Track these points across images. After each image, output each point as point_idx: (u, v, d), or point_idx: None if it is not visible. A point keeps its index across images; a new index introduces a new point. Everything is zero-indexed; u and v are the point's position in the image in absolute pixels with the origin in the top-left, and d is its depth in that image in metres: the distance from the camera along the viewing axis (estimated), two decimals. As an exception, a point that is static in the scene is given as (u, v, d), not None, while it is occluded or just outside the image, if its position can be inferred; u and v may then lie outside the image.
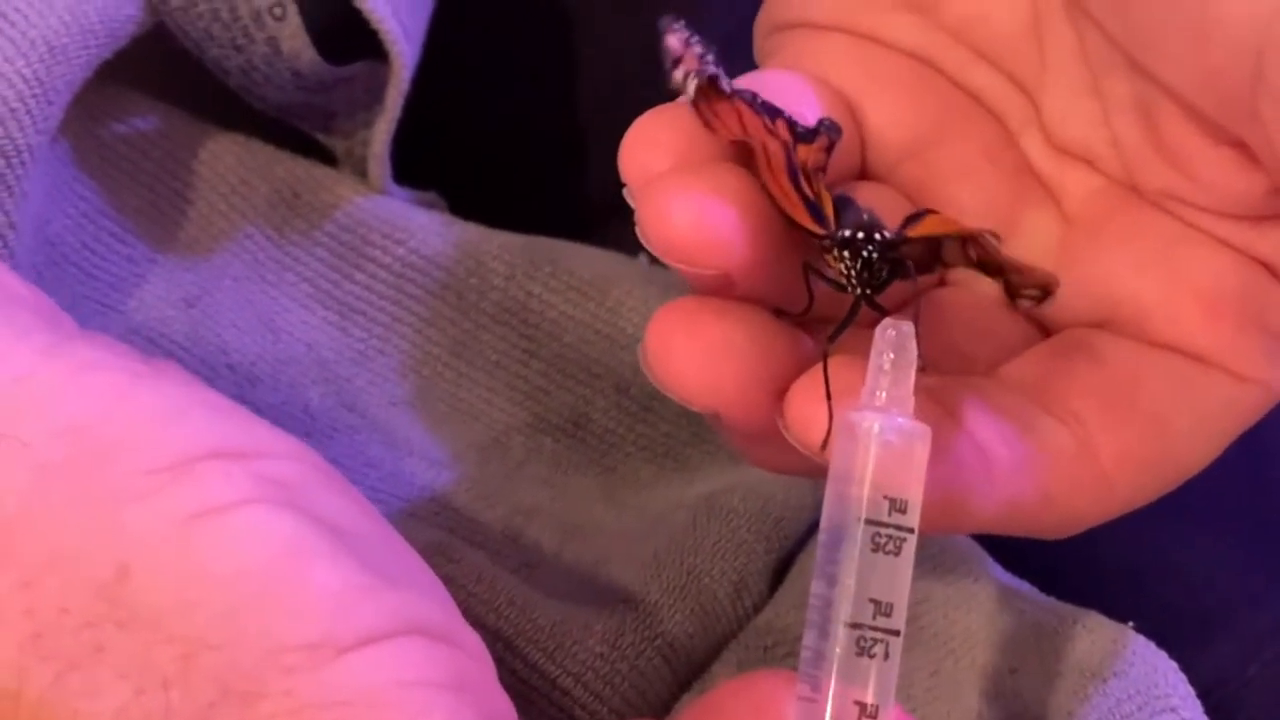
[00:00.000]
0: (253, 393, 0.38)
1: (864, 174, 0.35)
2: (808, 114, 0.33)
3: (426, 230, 0.41)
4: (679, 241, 0.29)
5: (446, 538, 0.36)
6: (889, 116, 0.34)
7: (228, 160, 0.40)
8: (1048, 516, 0.32)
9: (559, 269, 0.41)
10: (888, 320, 0.29)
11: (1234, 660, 0.43)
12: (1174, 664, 0.36)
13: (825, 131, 0.32)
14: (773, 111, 0.31)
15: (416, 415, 0.40)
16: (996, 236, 0.30)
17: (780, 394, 0.30)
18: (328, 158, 0.42)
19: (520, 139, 0.46)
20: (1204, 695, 0.37)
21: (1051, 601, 0.39)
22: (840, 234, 0.30)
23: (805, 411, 0.29)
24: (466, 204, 0.43)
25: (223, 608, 0.26)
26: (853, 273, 0.30)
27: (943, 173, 0.34)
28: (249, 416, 0.29)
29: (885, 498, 0.29)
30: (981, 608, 0.38)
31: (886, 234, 0.30)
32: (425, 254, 0.40)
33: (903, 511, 0.29)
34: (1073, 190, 0.34)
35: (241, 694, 0.25)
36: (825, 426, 0.29)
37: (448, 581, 0.34)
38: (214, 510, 0.26)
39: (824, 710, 0.29)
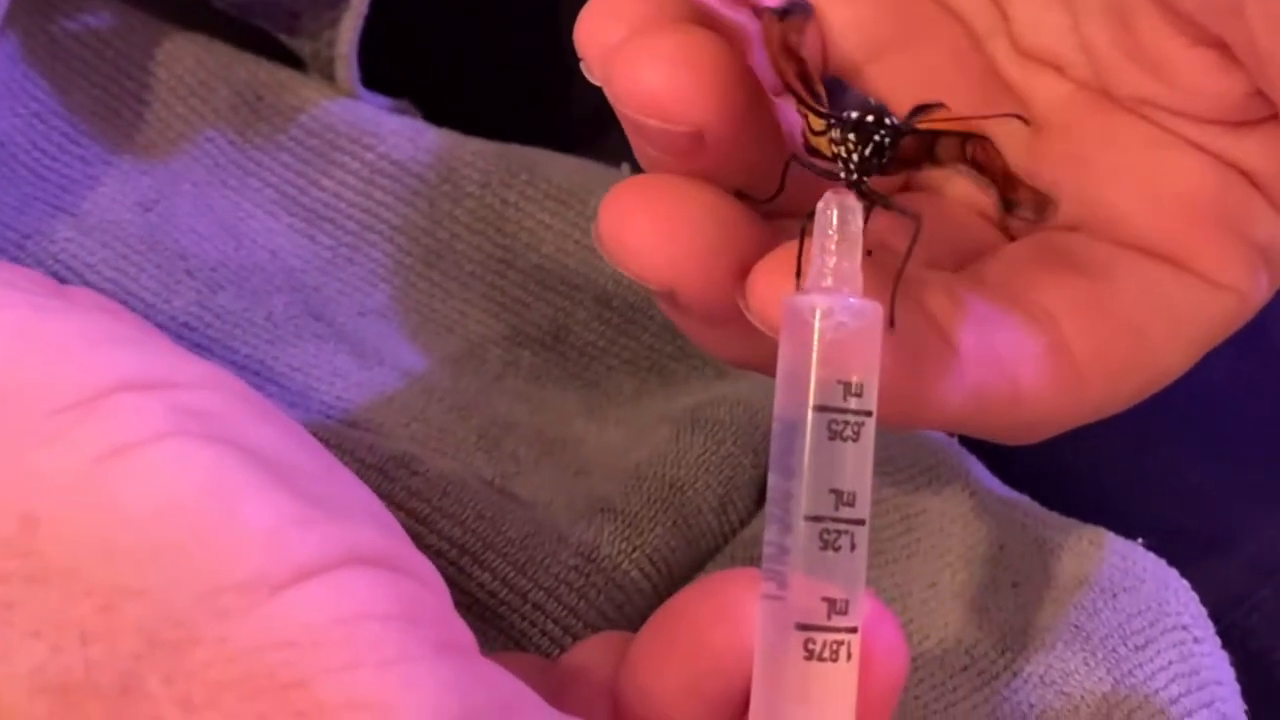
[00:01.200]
0: (213, 299, 0.36)
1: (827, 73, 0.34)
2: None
3: (397, 135, 0.39)
4: (650, 95, 0.28)
5: (413, 449, 0.35)
6: (851, 19, 0.33)
7: (186, 61, 0.39)
8: (1017, 414, 0.31)
9: (536, 177, 0.40)
10: (829, 194, 0.28)
11: (1243, 584, 0.41)
12: (1185, 582, 0.35)
13: (798, 9, 0.31)
14: None
15: (387, 326, 0.38)
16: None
17: (742, 273, 0.29)
18: (293, 63, 0.40)
19: (499, 50, 0.45)
20: (1211, 619, 0.35)
21: (1055, 516, 0.38)
22: (849, 115, 0.28)
23: (770, 285, 0.28)
24: (442, 117, 0.41)
25: (144, 552, 0.24)
26: (854, 158, 0.28)
27: (907, 77, 0.33)
28: (164, 344, 0.27)
29: (839, 382, 0.27)
30: (981, 520, 0.37)
31: (896, 121, 0.28)
32: (396, 159, 0.39)
33: (859, 395, 0.27)
34: (1042, 96, 0.33)
35: (171, 643, 0.24)
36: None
37: (412, 495, 0.33)
38: (127, 447, 0.24)
39: (790, 608, 0.27)
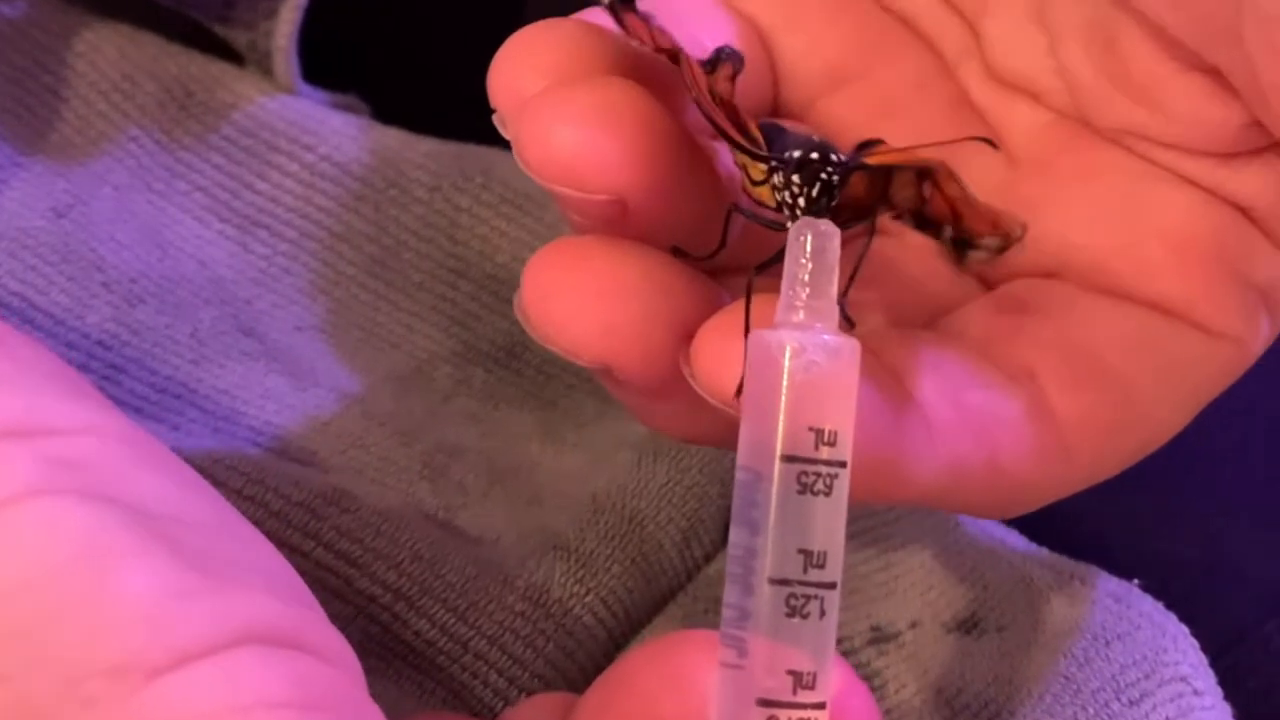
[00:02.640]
0: (131, 314, 0.34)
1: (777, 111, 0.31)
2: (715, 39, 0.29)
3: (340, 134, 0.37)
4: (562, 160, 0.26)
5: (347, 482, 0.32)
6: (805, 45, 0.31)
7: (108, 53, 0.36)
8: (998, 486, 0.28)
9: (491, 180, 0.37)
10: (803, 221, 0.25)
11: (1249, 617, 0.39)
12: (1184, 627, 0.33)
13: (726, 59, 0.28)
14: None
15: (326, 342, 0.36)
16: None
17: (684, 339, 0.26)
18: (229, 56, 0.38)
19: (454, 43, 0.42)
20: (1216, 657, 0.34)
21: (1044, 553, 0.36)
22: (791, 155, 0.26)
23: (717, 349, 0.26)
24: (392, 115, 0.39)
25: (4, 630, 0.21)
26: (800, 201, 0.26)
27: (867, 108, 0.31)
28: (39, 380, 0.24)
29: (810, 429, 0.24)
30: (964, 558, 0.35)
31: (842, 157, 0.26)
32: (338, 161, 0.37)
33: (831, 444, 0.25)
34: (1017, 126, 0.31)
35: None
36: (740, 369, 0.25)
37: (342, 535, 0.31)
38: None
39: (751, 680, 0.25)
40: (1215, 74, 0.28)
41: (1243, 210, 0.30)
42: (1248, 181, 0.29)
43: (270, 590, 0.23)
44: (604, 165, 0.26)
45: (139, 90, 0.36)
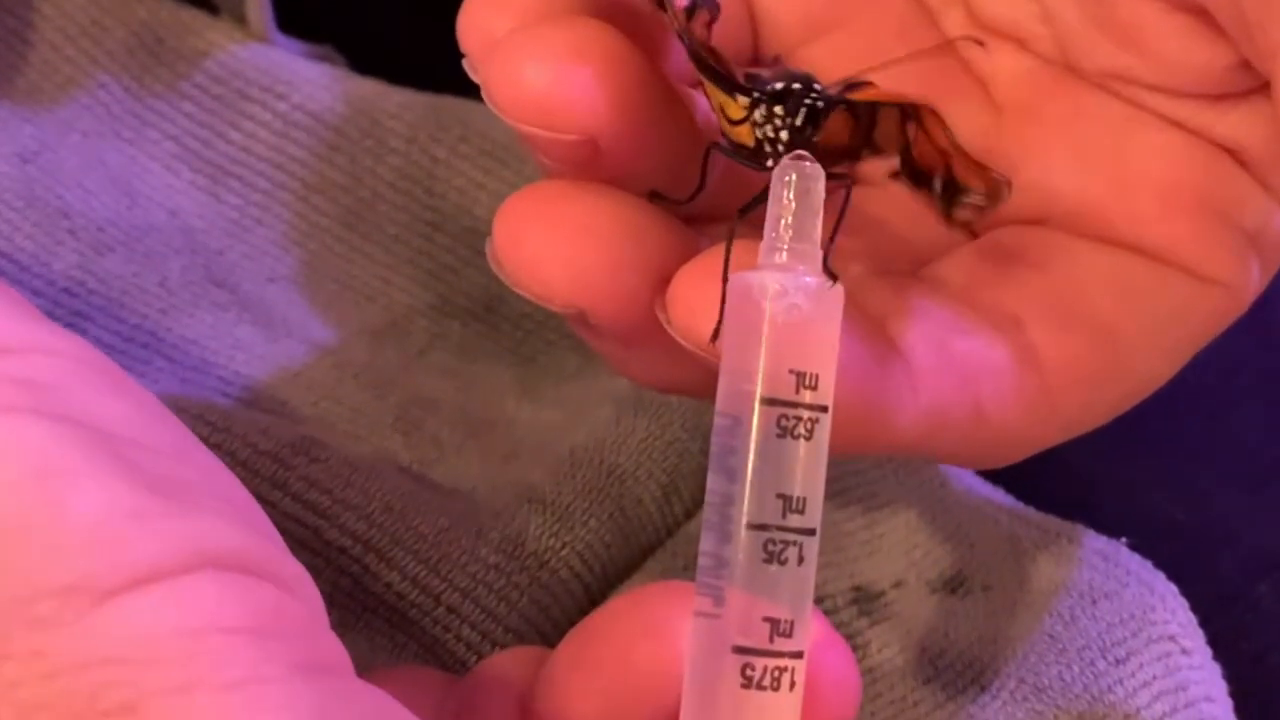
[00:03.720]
0: (99, 262, 0.33)
1: (757, 62, 0.31)
2: None
3: (314, 84, 0.36)
4: (532, 98, 0.25)
5: (318, 432, 0.31)
6: None
7: None
8: (981, 435, 0.28)
9: (470, 131, 0.37)
10: (787, 161, 0.25)
11: (1240, 579, 0.39)
12: (1172, 586, 0.33)
13: (702, 6, 0.28)
14: None
15: (299, 294, 0.35)
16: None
17: (661, 285, 0.26)
18: (203, 5, 0.37)
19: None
20: (1208, 619, 0.33)
21: (1032, 512, 0.35)
22: (773, 87, 0.26)
23: (694, 293, 0.25)
24: (369, 66, 0.38)
25: None
26: (783, 134, 0.26)
27: (848, 57, 0.30)
28: None
29: (791, 372, 0.24)
30: (950, 516, 0.35)
31: (824, 88, 0.26)
32: (312, 110, 0.36)
33: (813, 388, 0.24)
34: (1002, 74, 0.30)
35: None
36: (717, 313, 0.25)
37: (311, 485, 0.30)
38: None
39: (727, 628, 0.24)
40: (1201, 14, 0.27)
41: (1231, 153, 0.29)
42: (1236, 124, 0.29)
43: (229, 517, 0.22)
44: (574, 103, 0.25)
45: (108, 36, 0.35)
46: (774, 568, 0.24)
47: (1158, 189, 0.29)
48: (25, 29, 0.35)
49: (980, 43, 0.26)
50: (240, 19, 0.36)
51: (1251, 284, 0.29)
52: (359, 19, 0.40)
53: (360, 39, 0.39)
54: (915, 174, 0.28)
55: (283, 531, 0.30)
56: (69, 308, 0.32)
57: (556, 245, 0.26)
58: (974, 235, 0.30)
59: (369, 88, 0.37)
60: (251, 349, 0.34)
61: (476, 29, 0.27)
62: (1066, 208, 0.29)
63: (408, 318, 0.36)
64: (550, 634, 0.32)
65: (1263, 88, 0.28)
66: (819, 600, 0.33)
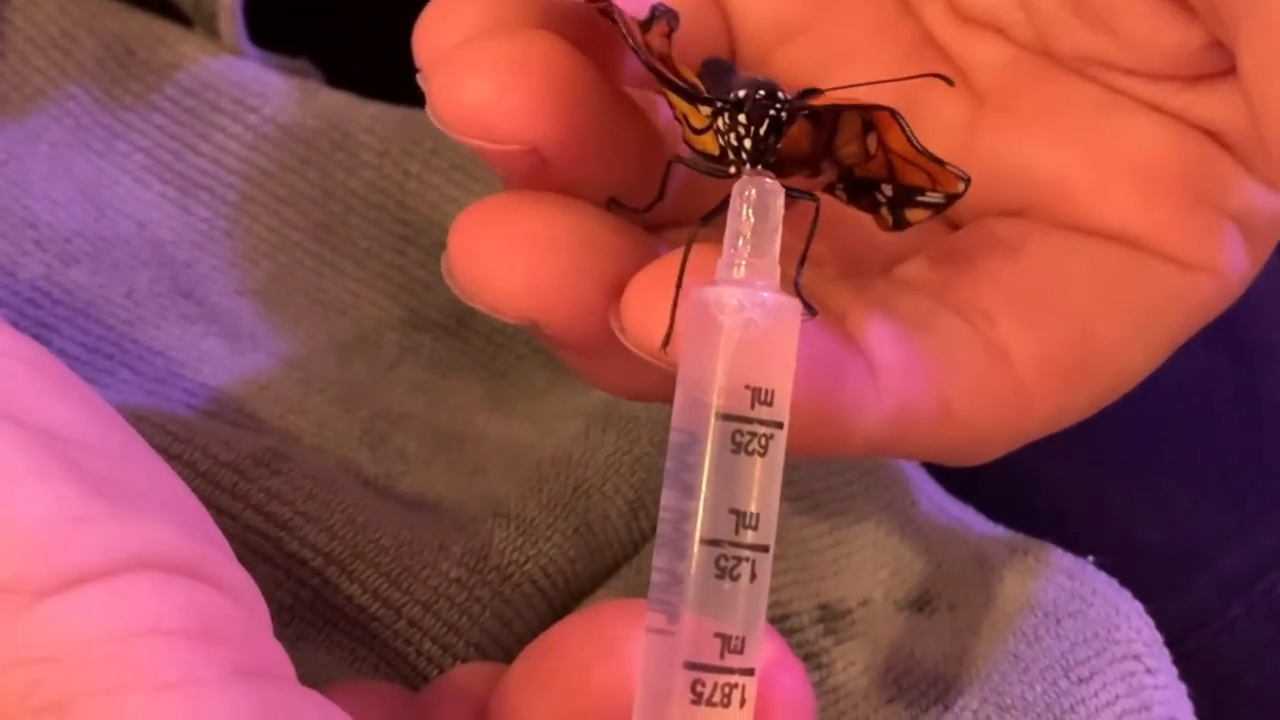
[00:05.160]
0: (65, 273, 0.33)
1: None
2: None
3: (286, 96, 0.36)
4: (472, 110, 0.25)
5: (282, 445, 0.31)
6: None
7: (47, 8, 0.35)
8: (950, 433, 0.28)
9: (442, 145, 0.37)
10: (747, 178, 0.25)
11: (1213, 600, 0.38)
12: (1138, 605, 0.32)
13: (660, 16, 0.28)
14: None
15: (268, 307, 0.35)
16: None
17: (616, 292, 0.26)
18: (176, 17, 0.37)
19: (409, 5, 0.41)
20: (1178, 640, 0.33)
21: (1001, 530, 0.35)
22: (736, 94, 0.25)
23: (643, 300, 0.25)
24: (344, 81, 0.38)
25: None
26: (746, 143, 0.25)
27: (826, 55, 0.30)
28: None
29: (746, 387, 0.24)
30: (919, 535, 0.34)
31: (788, 96, 0.26)
32: (283, 123, 0.36)
33: (768, 404, 0.24)
34: (982, 63, 0.30)
35: None
36: (667, 320, 0.25)
37: (271, 497, 0.30)
38: None
39: (678, 645, 0.24)
40: None
41: (1212, 136, 0.29)
42: (1215, 106, 0.28)
43: (172, 521, 0.22)
44: (513, 115, 0.25)
45: (78, 47, 0.35)
46: (726, 584, 0.24)
47: (1138, 174, 0.29)
48: None
49: (950, 82, 0.26)
50: (212, 31, 0.36)
51: (1239, 268, 0.29)
52: (333, 32, 0.40)
53: (335, 52, 0.39)
54: (853, 184, 0.27)
55: (243, 543, 0.30)
56: (34, 318, 0.32)
57: (508, 255, 0.26)
58: (954, 227, 0.30)
59: (341, 101, 0.36)
60: (219, 361, 0.33)
61: (428, 43, 0.27)
62: (1045, 197, 0.29)
63: (378, 331, 0.36)
64: (513, 648, 0.31)
65: (1237, 68, 0.28)
66: (784, 618, 0.33)
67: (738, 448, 0.24)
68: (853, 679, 0.32)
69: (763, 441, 0.24)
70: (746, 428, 0.24)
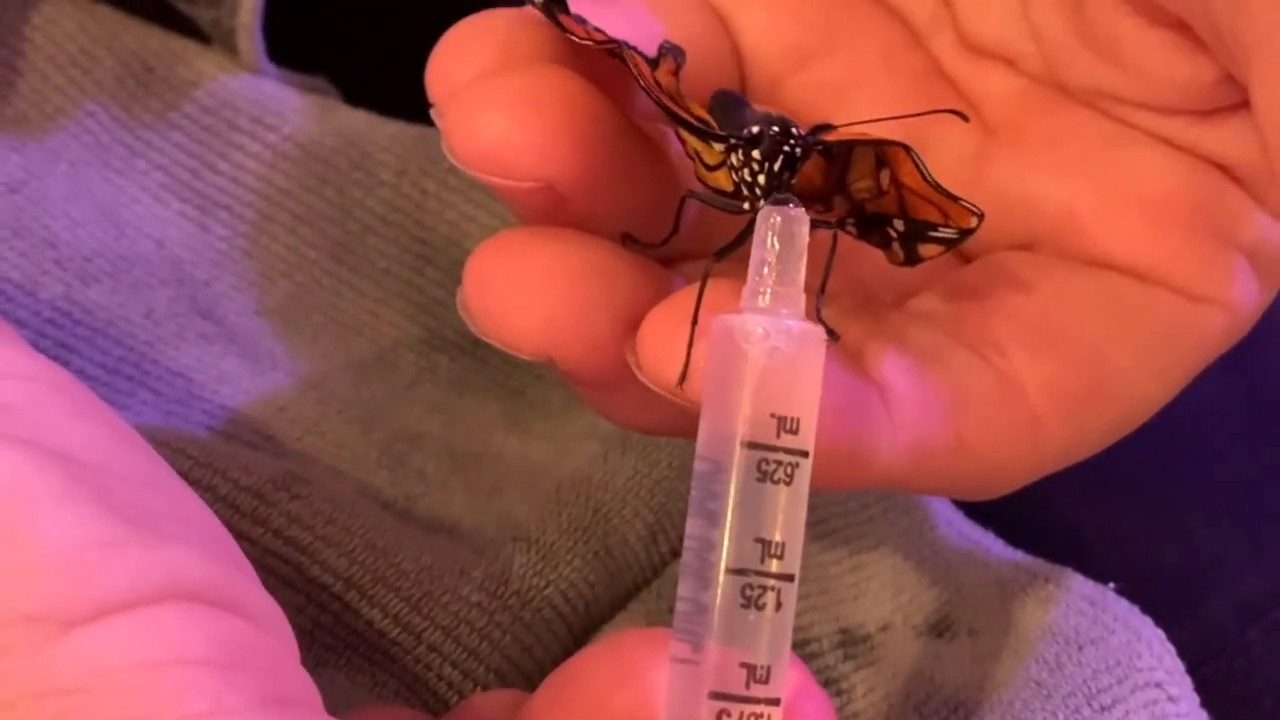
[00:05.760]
0: (84, 293, 0.33)
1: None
2: (671, 20, 0.29)
3: (304, 115, 0.36)
4: (487, 146, 0.25)
5: (301, 468, 0.31)
6: (766, 25, 0.30)
7: (66, 26, 0.35)
8: (965, 467, 0.27)
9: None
10: (771, 206, 0.25)
11: (1230, 625, 0.38)
12: (1160, 632, 0.32)
13: (667, 53, 0.28)
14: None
15: (286, 326, 0.35)
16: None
17: (631, 328, 0.26)
18: (196, 35, 0.36)
19: (427, 24, 0.41)
20: (1195, 665, 0.33)
21: (1020, 556, 0.35)
22: (750, 131, 0.25)
23: (660, 335, 0.25)
24: (362, 98, 0.38)
25: None
26: (760, 179, 0.25)
27: (834, 86, 0.30)
28: None
29: (772, 416, 0.24)
30: (938, 559, 0.34)
31: (801, 131, 0.26)
32: (301, 142, 0.35)
33: (794, 432, 0.24)
34: (992, 94, 0.30)
35: None
36: (684, 356, 0.25)
37: (292, 521, 0.30)
38: None
39: (703, 675, 0.24)
40: (1182, 28, 0.27)
41: (1223, 169, 0.29)
42: (1226, 139, 0.28)
43: (198, 547, 0.22)
44: (527, 151, 0.25)
45: (97, 65, 0.35)
46: (751, 613, 0.24)
47: (1148, 206, 0.28)
48: (14, 57, 0.35)
49: (964, 118, 0.26)
50: (231, 49, 0.36)
51: (1251, 301, 0.29)
52: (352, 51, 0.40)
53: (353, 71, 0.39)
54: (865, 219, 0.27)
55: (264, 568, 0.29)
56: (54, 338, 0.32)
57: (524, 294, 0.26)
58: (966, 260, 0.30)
59: (360, 119, 0.36)
60: (237, 382, 0.33)
61: (440, 77, 0.27)
62: (1055, 229, 0.29)
63: (395, 351, 0.36)
64: (533, 673, 0.31)
65: (1249, 102, 0.28)
66: (804, 643, 0.33)
67: (763, 476, 0.24)
68: (873, 705, 0.32)
69: (788, 470, 0.24)
70: (772, 456, 0.24)
